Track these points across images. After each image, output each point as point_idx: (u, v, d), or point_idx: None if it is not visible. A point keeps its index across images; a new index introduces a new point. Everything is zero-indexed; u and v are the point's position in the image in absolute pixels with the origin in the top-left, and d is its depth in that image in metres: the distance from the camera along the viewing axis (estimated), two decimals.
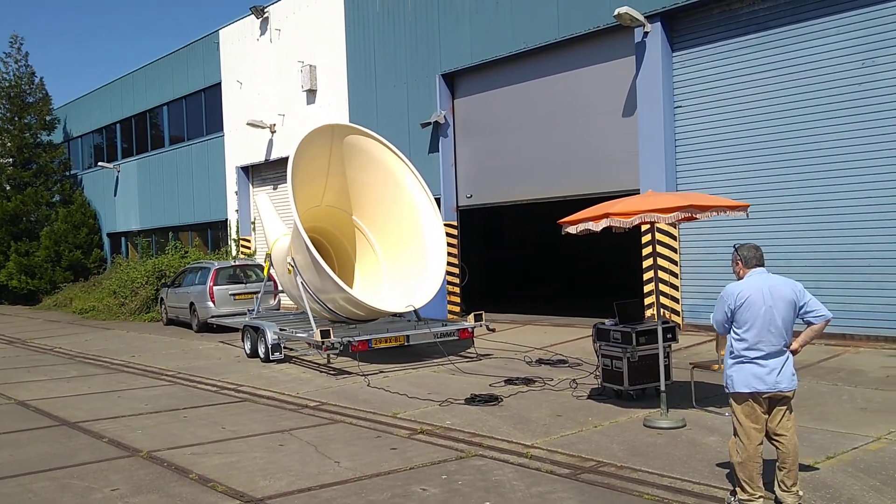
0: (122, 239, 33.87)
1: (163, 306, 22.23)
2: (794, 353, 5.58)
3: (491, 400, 9.48)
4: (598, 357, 9.51)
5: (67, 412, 10.12)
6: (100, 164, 33.43)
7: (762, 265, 5.68)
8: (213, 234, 27.70)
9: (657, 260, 13.98)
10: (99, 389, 11.96)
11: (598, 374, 9.75)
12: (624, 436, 7.65)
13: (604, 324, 9.46)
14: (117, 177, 33.10)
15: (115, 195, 33.50)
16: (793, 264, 12.35)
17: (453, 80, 18.25)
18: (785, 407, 5.53)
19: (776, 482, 5.54)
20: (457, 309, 18.06)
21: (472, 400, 9.55)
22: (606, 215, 7.38)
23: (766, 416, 5.55)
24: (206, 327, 19.01)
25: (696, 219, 7.44)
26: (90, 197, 35.26)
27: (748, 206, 7.59)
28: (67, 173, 36.28)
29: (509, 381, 10.64)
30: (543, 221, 24.12)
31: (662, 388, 8.08)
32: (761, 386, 5.45)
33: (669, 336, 9.14)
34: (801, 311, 5.49)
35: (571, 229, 7.93)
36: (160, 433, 8.72)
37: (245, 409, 9.99)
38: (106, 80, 34.53)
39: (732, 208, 7.46)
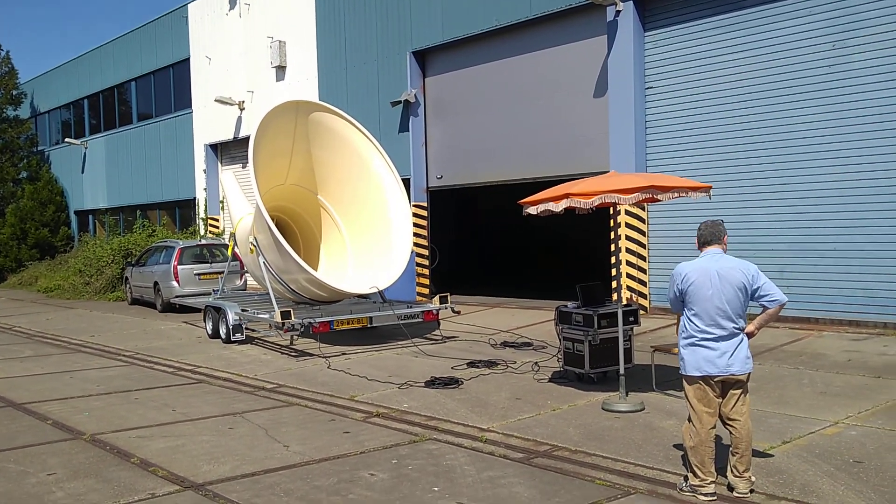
0: (90, 217, 33.28)
1: (127, 285, 21.85)
2: (749, 335, 5.45)
3: (451, 383, 9.31)
4: (559, 340, 9.36)
5: (15, 393, 9.82)
6: (67, 139, 32.76)
7: (717, 244, 5.52)
8: (182, 212, 27.26)
9: (623, 242, 13.92)
10: (52, 370, 11.65)
11: (560, 357, 9.62)
12: (581, 419, 7.52)
13: (566, 306, 9.31)
14: (85, 153, 32.46)
15: (82, 172, 32.88)
16: (758, 247, 12.28)
17: (424, 58, 17.96)
18: (739, 391, 5.41)
19: (729, 467, 5.42)
20: (426, 291, 17.87)
21: (432, 383, 9.38)
22: (567, 195, 7.19)
23: (720, 400, 5.43)
24: (170, 307, 18.69)
25: (658, 200, 7.29)
26: (57, 174, 34.58)
27: (710, 187, 7.45)
28: (34, 149, 35.53)
29: (471, 364, 10.48)
30: (515, 203, 24.08)
31: (622, 371, 7.95)
32: (712, 369, 5.33)
33: (632, 319, 9.02)
34: (755, 294, 5.35)
35: (532, 210, 7.74)
36: (107, 415, 8.46)
37: (199, 390, 9.75)
38: (73, 54, 33.82)
39: (695, 189, 7.31)
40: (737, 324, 5.35)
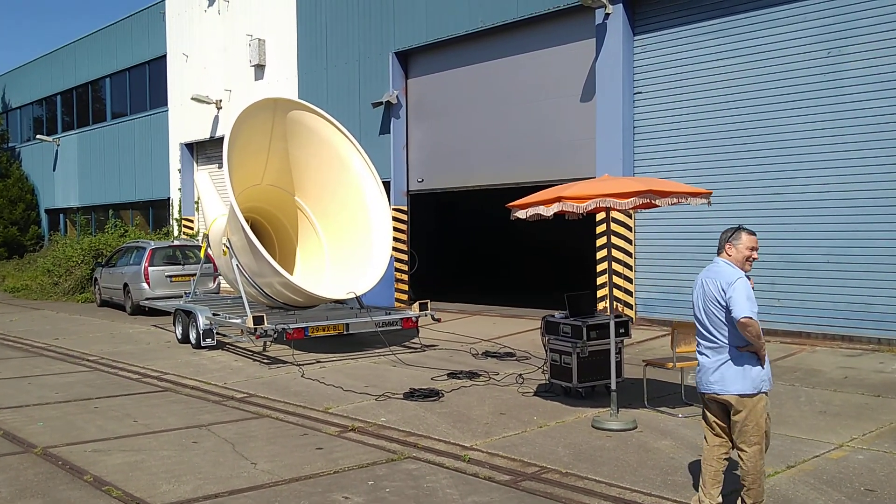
0: (61, 216, 32.44)
1: (97, 287, 21.15)
2: (741, 351, 4.94)
3: (431, 395, 8.83)
4: (546, 351, 8.93)
5: None
6: (38, 136, 31.91)
7: (721, 252, 5.11)
8: (155, 213, 26.57)
9: (611, 250, 13.51)
10: (10, 375, 11.02)
11: (545, 369, 9.18)
12: (570, 438, 7.07)
13: (553, 316, 8.88)
14: (57, 151, 31.65)
15: (54, 170, 32.06)
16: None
17: (407, 59, 17.51)
18: (738, 417, 4.91)
19: (739, 495, 4.99)
20: (405, 297, 17.39)
21: (411, 395, 8.90)
22: (559, 199, 6.76)
23: (722, 423, 5.01)
24: (140, 310, 18.03)
25: (655, 206, 6.88)
26: (28, 171, 33.72)
27: (710, 193, 7.06)
28: (4, 146, 34.65)
29: (452, 375, 10.01)
30: (498, 208, 23.65)
31: (613, 386, 7.52)
32: (700, 385, 5.00)
33: (622, 331, 8.61)
34: (727, 308, 4.89)
35: (521, 214, 7.30)
36: (64, 426, 7.89)
37: (164, 399, 9.20)
38: (47, 49, 33.02)
39: (694, 195, 6.91)
40: (716, 339, 4.92)
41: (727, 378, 4.89)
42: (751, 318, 4.77)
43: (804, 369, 9.83)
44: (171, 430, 7.67)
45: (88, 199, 29.86)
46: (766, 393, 4.96)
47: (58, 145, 31.50)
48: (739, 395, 4.87)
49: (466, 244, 24.34)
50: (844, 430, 7.13)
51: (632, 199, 6.58)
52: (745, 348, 4.89)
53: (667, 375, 9.22)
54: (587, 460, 6.38)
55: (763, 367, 4.93)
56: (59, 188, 31.85)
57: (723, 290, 4.90)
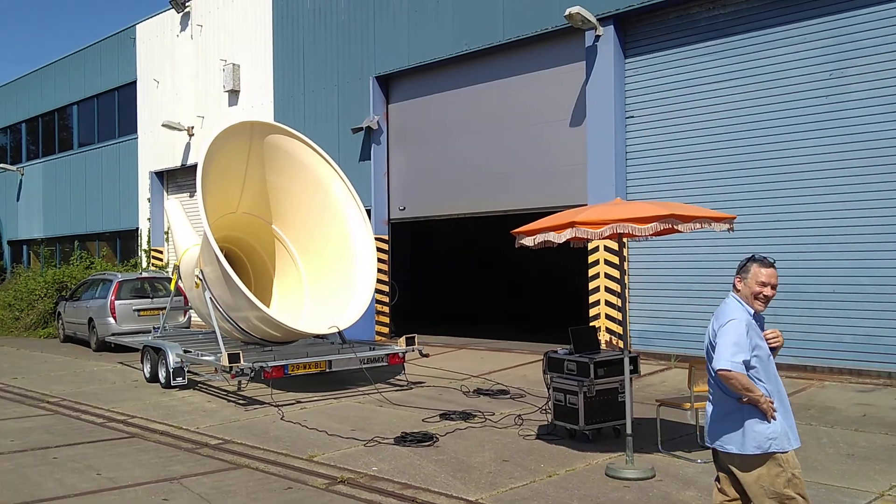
0: (24, 247, 31.29)
1: (60, 321, 20.14)
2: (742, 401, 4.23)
3: (425, 440, 8.13)
4: (548, 391, 8.28)
5: None
6: (1, 165, 30.86)
7: (733, 287, 4.44)
8: (123, 244, 25.61)
9: (602, 280, 13.00)
10: None
11: (547, 409, 8.53)
12: (585, 489, 6.41)
13: (556, 352, 8.26)
14: (21, 180, 30.60)
15: (17, 200, 30.96)
16: None
17: (388, 84, 16.97)
18: (743, 481, 4.20)
19: None
20: (385, 330, 16.68)
21: (403, 439, 8.18)
22: (571, 224, 6.17)
23: (729, 481, 4.35)
24: (106, 346, 17.09)
25: (676, 231, 6.32)
26: None
27: (734, 218, 6.52)
28: None
29: (445, 416, 9.31)
30: (481, 237, 23.13)
31: (629, 430, 6.89)
32: (705, 435, 4.44)
33: (631, 368, 7.98)
34: None
35: (528, 241, 6.69)
36: (17, 480, 7.06)
37: (131, 447, 8.38)
38: (12, 76, 32.09)
39: (718, 220, 6.36)
40: (717, 386, 4.29)
41: (726, 433, 4.22)
42: (728, 370, 4.05)
43: (818, 406, 9.28)
44: (139, 484, 6.87)
45: (53, 230, 28.81)
46: (780, 453, 4.15)
47: (22, 175, 30.48)
48: (740, 455, 4.17)
49: (447, 274, 23.73)
50: (880, 475, 6.55)
51: (652, 224, 6.02)
52: (747, 400, 4.15)
53: (677, 415, 8.61)
54: None
55: (770, 424, 4.14)
56: (22, 219, 30.75)
57: (715, 331, 4.24)
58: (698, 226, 6.22)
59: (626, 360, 6.96)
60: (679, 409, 7.86)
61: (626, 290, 6.75)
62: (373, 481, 6.82)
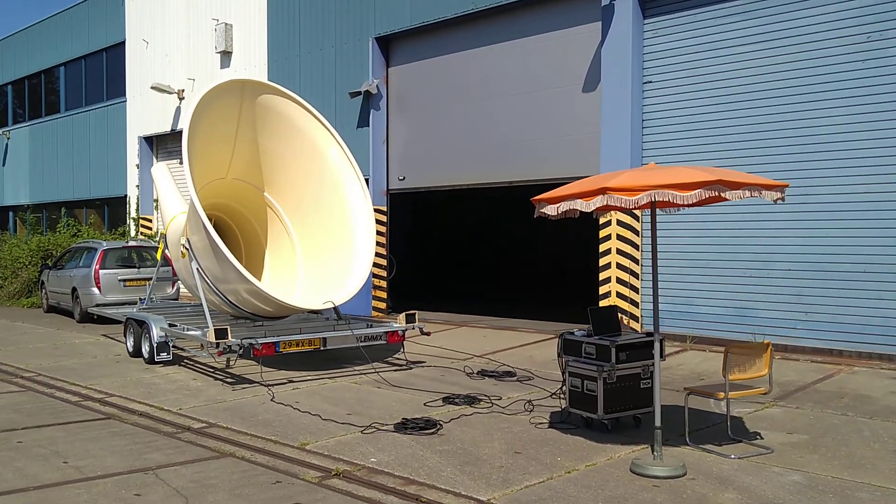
0: (10, 214, 30.40)
1: (43, 291, 19.36)
2: None
3: (427, 427, 7.42)
4: (563, 375, 7.56)
5: None
6: None
7: None
8: (112, 211, 24.77)
9: (613, 256, 12.26)
10: None
11: (561, 395, 7.83)
12: (609, 488, 5.70)
13: (572, 334, 7.53)
14: (7, 144, 29.65)
15: (3, 165, 30.04)
16: (772, 268, 10.73)
17: (389, 45, 16.08)
18: None
19: None
20: (382, 306, 15.95)
21: (404, 426, 7.47)
22: (603, 191, 5.40)
23: None
24: (90, 317, 16.36)
25: (721, 200, 5.56)
26: None
27: (787, 185, 5.76)
28: None
29: (448, 400, 8.60)
30: (485, 210, 22.34)
31: (657, 422, 6.17)
32: None
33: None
34: None
35: (550, 210, 5.92)
36: None
37: (106, 430, 7.65)
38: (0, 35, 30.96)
39: (769, 188, 5.60)
40: None
41: None
42: None
43: (850, 394, 8.59)
44: (109, 475, 6.14)
45: (40, 196, 27.92)
46: None
47: (8, 139, 29.52)
48: None
49: (447, 248, 22.97)
50: None
51: (696, 191, 5.25)
52: None
53: (700, 402, 7.93)
54: None
55: None
56: (8, 184, 29.84)
57: None
58: (747, 194, 5.45)
59: (657, 345, 6.23)
60: (718, 399, 7.13)
61: (655, 264, 5.98)
62: (371, 475, 6.11)
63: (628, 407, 7.22)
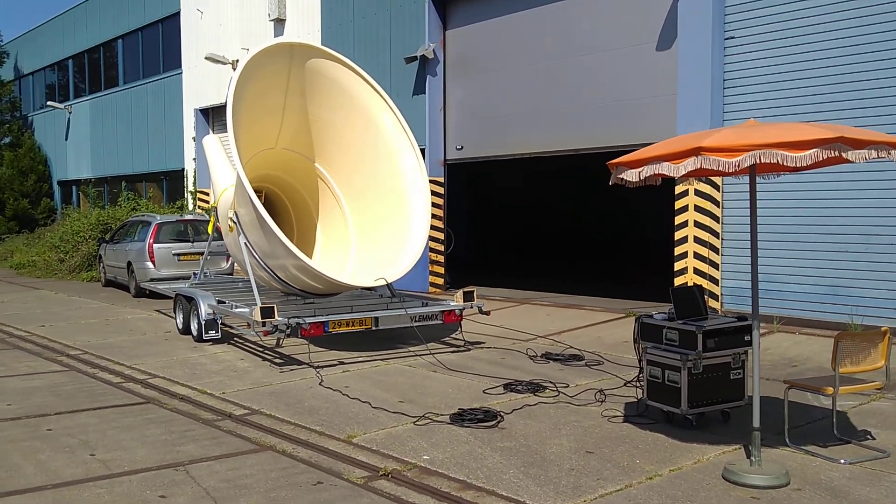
0: (74, 188, 30.67)
1: (101, 265, 19.24)
2: None
3: (487, 418, 6.69)
4: (640, 363, 6.73)
5: None
6: (49, 103, 30.06)
7: None
8: (170, 185, 24.64)
9: (691, 229, 11.28)
10: None
11: (637, 384, 7.00)
12: (699, 499, 4.89)
13: (651, 317, 6.68)
14: (69, 118, 29.81)
15: (66, 139, 30.24)
16: (872, 242, 9.61)
17: (446, 7, 15.22)
18: None
19: None
20: (440, 281, 15.26)
21: (461, 417, 6.76)
22: (696, 151, 4.52)
23: None
24: (145, 292, 16.09)
25: (842, 161, 4.65)
26: (41, 141, 31.97)
27: None
28: (16, 114, 32.90)
29: (510, 387, 7.86)
30: (546, 179, 21.41)
31: (756, 422, 5.30)
32: None
33: (746, 338, 6.39)
34: None
35: (630, 175, 5.06)
36: None
37: (142, 417, 7.14)
38: (60, 9, 31.09)
39: None
40: None
41: None
42: None
43: None
44: (136, 471, 5.58)
45: (101, 170, 28.02)
46: None
47: (70, 113, 29.67)
48: None
49: (507, 220, 22.14)
50: None
51: (811, 150, 4.34)
52: None
53: (796, 395, 6.99)
54: None
55: None
56: (71, 158, 30.06)
57: None
58: (873, 154, 4.51)
59: (756, 332, 5.33)
60: (825, 395, 6.19)
61: (754, 238, 5.07)
62: (423, 476, 5.42)
63: (716, 401, 6.36)
